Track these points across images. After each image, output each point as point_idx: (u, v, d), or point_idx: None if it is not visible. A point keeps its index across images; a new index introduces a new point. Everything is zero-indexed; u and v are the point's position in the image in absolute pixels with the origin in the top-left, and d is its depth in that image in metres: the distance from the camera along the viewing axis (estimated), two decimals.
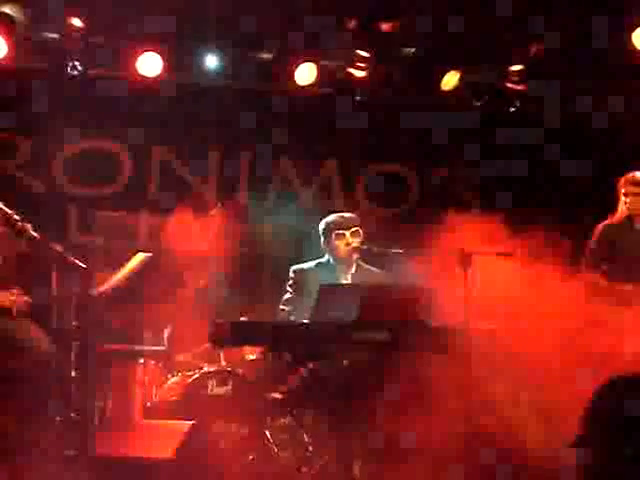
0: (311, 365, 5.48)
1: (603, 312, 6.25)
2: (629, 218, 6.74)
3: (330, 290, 5.51)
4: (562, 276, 6.18)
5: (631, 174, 6.70)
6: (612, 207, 6.86)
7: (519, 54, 8.21)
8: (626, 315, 6.40)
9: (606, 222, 6.82)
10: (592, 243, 6.78)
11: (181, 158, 8.32)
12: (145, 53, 7.56)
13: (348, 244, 6.13)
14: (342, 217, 6.30)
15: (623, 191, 6.70)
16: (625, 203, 6.69)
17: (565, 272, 6.33)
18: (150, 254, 6.70)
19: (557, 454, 4.74)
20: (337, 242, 6.17)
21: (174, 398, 6.13)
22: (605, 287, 6.58)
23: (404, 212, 8.79)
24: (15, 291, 5.80)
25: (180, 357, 6.68)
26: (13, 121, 7.77)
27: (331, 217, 6.30)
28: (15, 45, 7.19)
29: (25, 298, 5.79)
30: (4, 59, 7.20)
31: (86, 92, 7.69)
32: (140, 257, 6.64)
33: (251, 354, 6.42)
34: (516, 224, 6.34)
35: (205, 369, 6.24)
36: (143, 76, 7.61)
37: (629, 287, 6.52)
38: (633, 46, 7.65)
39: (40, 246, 5.73)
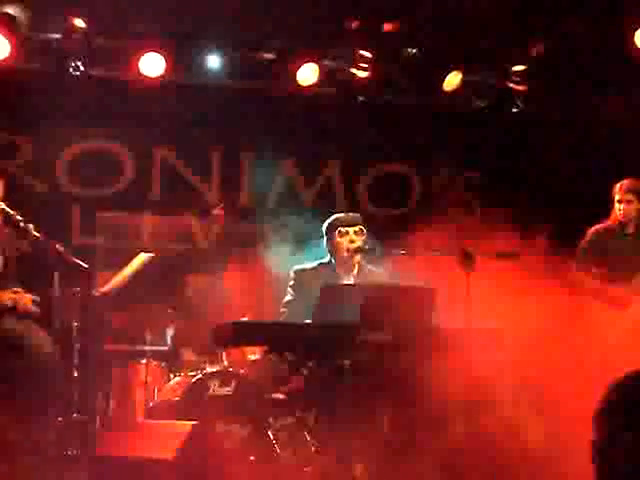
0: (313, 365, 5.47)
1: (597, 313, 6.28)
2: (621, 224, 6.75)
3: (332, 291, 5.50)
4: (561, 276, 6.19)
5: (624, 181, 6.71)
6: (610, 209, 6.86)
7: (520, 54, 8.22)
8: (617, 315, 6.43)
9: (599, 225, 6.84)
10: (583, 244, 6.80)
11: (183, 158, 8.32)
12: (147, 53, 7.56)
13: (352, 242, 6.07)
14: (346, 215, 6.28)
15: (617, 198, 6.72)
16: (619, 210, 6.72)
17: (565, 272, 6.34)
18: (152, 254, 6.71)
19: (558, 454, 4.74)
20: (340, 239, 6.11)
21: (176, 398, 6.12)
22: (595, 288, 6.61)
23: (406, 213, 8.79)
24: (19, 290, 5.81)
25: (184, 356, 6.69)
26: (15, 121, 7.77)
27: (334, 216, 6.29)
28: (17, 45, 7.20)
29: (30, 296, 5.79)
30: (6, 59, 7.20)
31: (88, 92, 7.69)
32: (142, 257, 6.65)
33: (253, 354, 6.42)
34: (517, 224, 6.34)
35: (207, 369, 6.24)
36: (145, 76, 7.62)
37: (620, 289, 6.54)
38: (633, 46, 7.66)
39: (42, 246, 5.74)
